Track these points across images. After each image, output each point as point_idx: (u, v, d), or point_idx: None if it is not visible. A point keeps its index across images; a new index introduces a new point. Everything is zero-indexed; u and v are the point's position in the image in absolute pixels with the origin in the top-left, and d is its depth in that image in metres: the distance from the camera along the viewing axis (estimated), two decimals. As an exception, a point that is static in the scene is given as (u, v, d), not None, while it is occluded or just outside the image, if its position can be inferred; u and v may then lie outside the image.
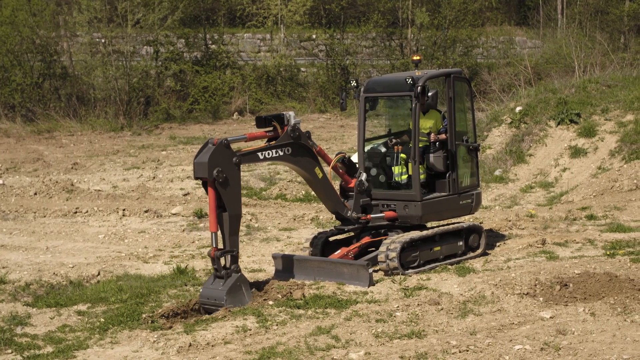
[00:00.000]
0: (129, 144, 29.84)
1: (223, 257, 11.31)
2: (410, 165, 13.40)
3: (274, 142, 12.15)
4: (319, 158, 12.68)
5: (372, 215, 13.42)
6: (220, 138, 11.41)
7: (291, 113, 12.38)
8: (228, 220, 11.33)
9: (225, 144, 11.34)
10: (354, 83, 13.64)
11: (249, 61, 40.60)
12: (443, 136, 13.71)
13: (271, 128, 12.27)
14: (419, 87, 12.89)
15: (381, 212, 13.48)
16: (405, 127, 14.33)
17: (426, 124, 13.70)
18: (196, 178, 11.55)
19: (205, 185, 11.39)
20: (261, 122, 12.29)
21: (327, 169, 13.05)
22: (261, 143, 12.31)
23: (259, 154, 11.93)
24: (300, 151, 12.36)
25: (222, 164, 11.22)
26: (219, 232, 11.38)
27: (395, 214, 13.46)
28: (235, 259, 11.38)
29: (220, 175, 11.16)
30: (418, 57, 14.33)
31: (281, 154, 12.15)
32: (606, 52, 31.24)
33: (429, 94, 13.44)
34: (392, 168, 13.70)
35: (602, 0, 42.51)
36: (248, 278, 12.25)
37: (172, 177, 22.51)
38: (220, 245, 11.39)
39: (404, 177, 13.60)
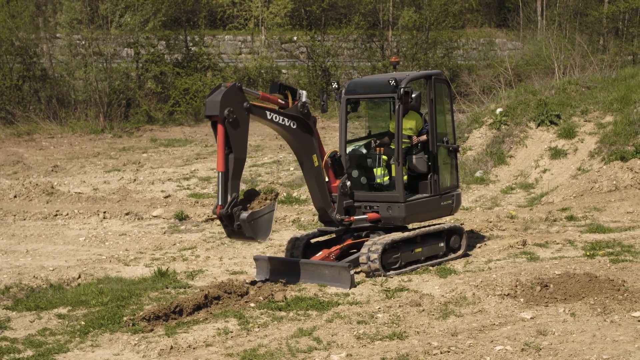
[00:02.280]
0: (110, 146, 29.74)
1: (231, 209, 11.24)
2: (392, 166, 13.42)
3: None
4: None
5: (355, 217, 13.43)
6: (233, 82, 11.41)
7: (304, 92, 12.51)
8: (233, 162, 11.31)
9: (238, 87, 11.44)
10: (335, 85, 13.64)
11: (230, 63, 40.54)
12: (424, 137, 13.74)
13: (283, 96, 12.38)
14: (402, 89, 12.92)
15: (363, 213, 13.50)
16: (384, 128, 14.35)
17: (406, 125, 13.72)
18: (207, 117, 11.49)
19: (214, 125, 11.38)
20: (275, 88, 12.46)
21: None
22: None
23: (268, 112, 12.00)
24: (305, 130, 12.49)
25: (233, 104, 11.29)
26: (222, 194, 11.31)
27: (378, 215, 13.48)
28: (236, 202, 11.33)
29: (231, 115, 11.21)
30: (396, 59, 14.36)
31: (287, 124, 12.24)
32: (585, 54, 31.40)
33: (413, 95, 13.49)
34: (374, 170, 13.72)
35: (581, 3, 42.74)
36: (229, 280, 12.27)
37: (153, 179, 22.45)
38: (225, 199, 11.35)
39: (386, 178, 13.62)
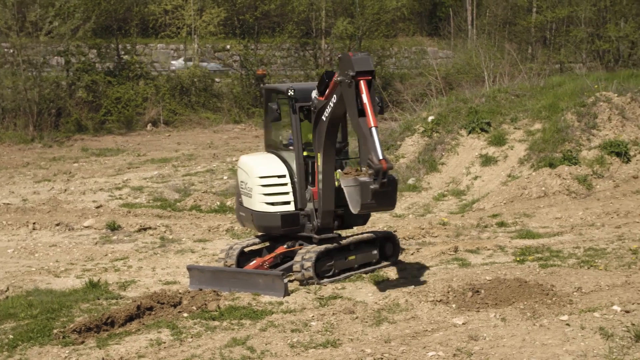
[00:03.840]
0: (40, 156, 29.24)
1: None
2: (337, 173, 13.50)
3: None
4: None
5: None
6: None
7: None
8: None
9: None
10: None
11: (162, 72, 40.24)
12: None
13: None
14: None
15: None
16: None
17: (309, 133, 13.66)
18: (359, 72, 11.41)
19: (356, 83, 11.41)
20: (330, 75, 12.51)
21: None
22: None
23: None
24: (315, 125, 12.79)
25: None
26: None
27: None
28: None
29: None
30: (262, 72, 14.37)
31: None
32: (514, 63, 31.93)
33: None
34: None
35: (510, 12, 43.53)
36: (162, 290, 12.19)
37: (84, 189, 22.15)
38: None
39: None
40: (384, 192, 11.22)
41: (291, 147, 13.51)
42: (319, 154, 12.80)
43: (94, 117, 35.90)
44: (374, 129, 11.28)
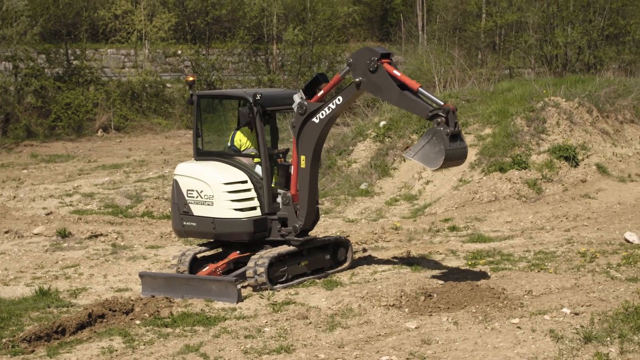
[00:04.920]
0: (-13, 163, 28.85)
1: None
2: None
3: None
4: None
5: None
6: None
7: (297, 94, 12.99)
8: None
9: None
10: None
11: (113, 77, 39.90)
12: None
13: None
14: None
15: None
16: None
17: (252, 138, 13.68)
18: (383, 55, 12.19)
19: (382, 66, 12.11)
20: (324, 78, 13.15)
21: None
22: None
23: None
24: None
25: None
26: None
27: None
28: None
29: None
30: (192, 78, 14.49)
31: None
32: (464, 68, 32.21)
33: None
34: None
35: (459, 18, 43.91)
36: (114, 297, 12.10)
37: (33, 196, 21.88)
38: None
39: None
40: (456, 136, 11.48)
41: (254, 153, 13.52)
42: (303, 157, 12.87)
43: (44, 122, 35.49)
44: (420, 89, 11.84)
